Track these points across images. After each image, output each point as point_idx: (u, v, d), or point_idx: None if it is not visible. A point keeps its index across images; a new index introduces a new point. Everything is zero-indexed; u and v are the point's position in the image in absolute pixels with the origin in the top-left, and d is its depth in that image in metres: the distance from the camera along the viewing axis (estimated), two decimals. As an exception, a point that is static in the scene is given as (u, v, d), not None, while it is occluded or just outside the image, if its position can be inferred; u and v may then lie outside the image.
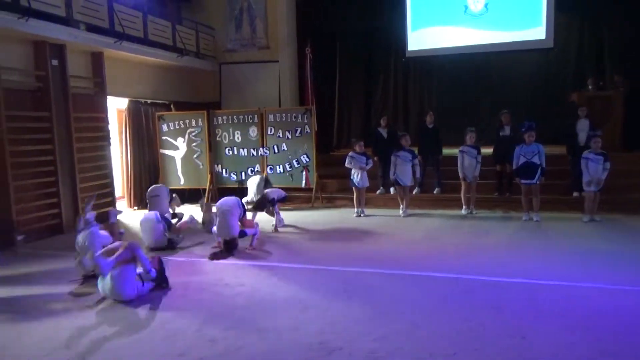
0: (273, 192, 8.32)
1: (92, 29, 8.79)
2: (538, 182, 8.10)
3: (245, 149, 10.76)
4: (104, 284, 4.93)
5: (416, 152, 9.28)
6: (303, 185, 10.47)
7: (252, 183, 10.13)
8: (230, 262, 6.36)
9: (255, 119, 10.67)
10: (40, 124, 8.06)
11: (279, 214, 8.28)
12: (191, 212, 8.46)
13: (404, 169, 8.83)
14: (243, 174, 10.74)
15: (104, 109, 9.45)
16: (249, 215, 7.59)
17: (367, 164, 9.02)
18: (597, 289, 4.89)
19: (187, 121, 10.89)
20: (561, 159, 9.30)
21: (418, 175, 9.14)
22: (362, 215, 9.07)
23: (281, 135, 10.52)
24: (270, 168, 10.61)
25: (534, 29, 11.58)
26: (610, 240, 6.84)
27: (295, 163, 10.47)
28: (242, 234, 6.81)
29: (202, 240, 7.46)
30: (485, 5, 11.90)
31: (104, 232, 6.14)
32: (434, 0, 12.35)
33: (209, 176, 10.82)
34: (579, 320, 4.17)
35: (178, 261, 6.43)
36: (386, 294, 4.98)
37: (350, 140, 10.30)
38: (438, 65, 12.70)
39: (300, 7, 12.54)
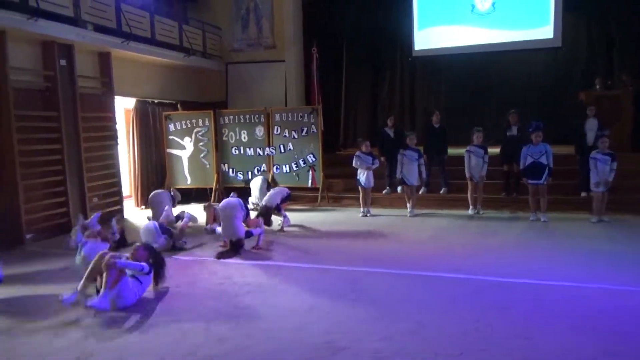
0: (276, 195, 8.21)
1: (100, 29, 8.85)
2: (545, 183, 8.06)
3: (251, 149, 10.78)
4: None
5: (422, 151, 9.27)
6: (309, 184, 10.47)
7: (255, 185, 10.14)
8: (236, 261, 6.37)
9: (262, 119, 10.69)
10: (49, 124, 8.12)
11: (285, 214, 8.28)
12: (197, 212, 8.49)
13: (411, 168, 8.81)
14: (249, 173, 10.77)
15: (111, 109, 9.51)
16: (252, 214, 7.59)
17: (373, 163, 9.02)
18: (603, 290, 4.86)
19: (193, 121, 10.93)
20: (569, 159, 9.23)
21: (424, 175, 9.13)
22: (368, 215, 9.07)
23: (287, 135, 10.53)
24: (277, 167, 10.63)
25: (542, 28, 11.50)
26: (618, 241, 6.80)
27: (301, 162, 10.48)
28: (248, 234, 6.82)
29: (203, 242, 7.43)
30: (493, 4, 11.83)
31: (96, 240, 6.05)
32: (440, -1, 12.32)
33: (215, 175, 10.86)
34: (585, 321, 4.15)
35: (185, 260, 6.45)
36: (392, 294, 4.98)
37: (357, 140, 10.30)
38: (445, 64, 12.63)
39: (306, 7, 12.56)
